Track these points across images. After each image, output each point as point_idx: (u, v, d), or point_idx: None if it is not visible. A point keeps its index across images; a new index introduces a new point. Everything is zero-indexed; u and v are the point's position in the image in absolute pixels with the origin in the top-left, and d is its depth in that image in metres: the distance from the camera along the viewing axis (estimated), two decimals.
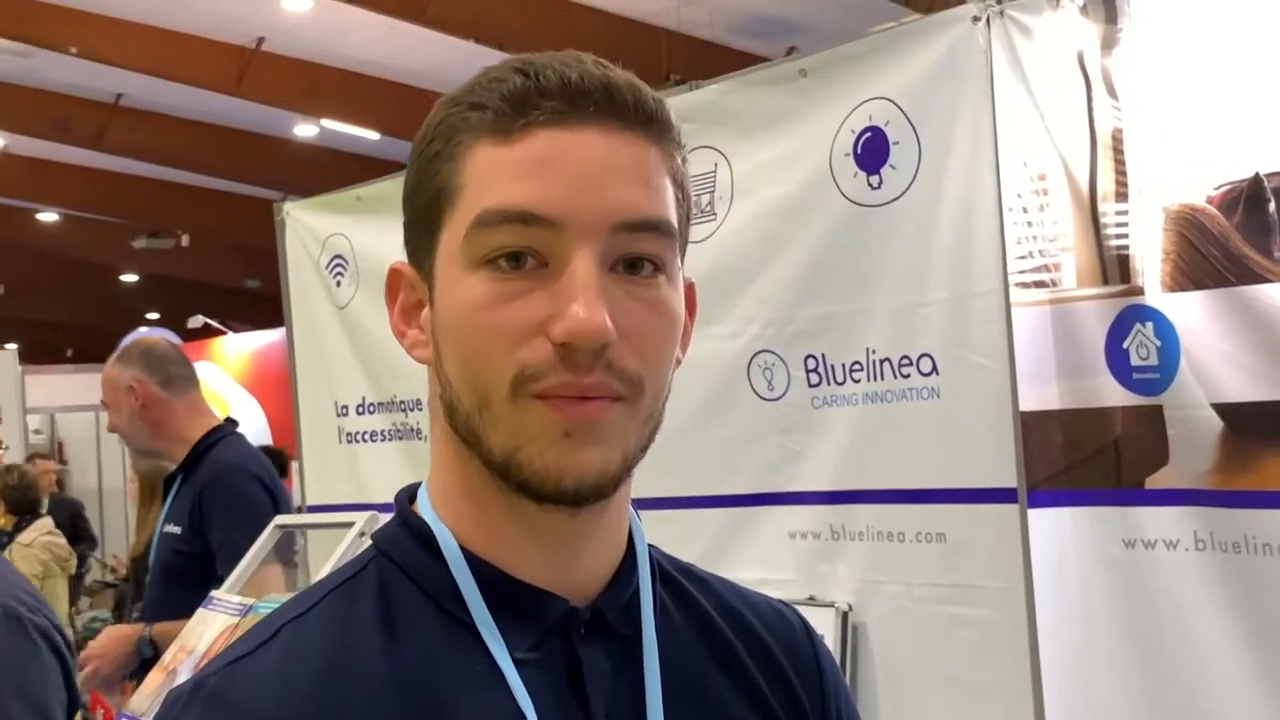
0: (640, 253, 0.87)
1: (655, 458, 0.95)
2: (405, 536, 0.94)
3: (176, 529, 3.40)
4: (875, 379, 3.04)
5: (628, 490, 0.93)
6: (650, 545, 1.00)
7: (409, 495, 0.97)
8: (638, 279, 0.87)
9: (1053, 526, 2.84)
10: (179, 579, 3.27)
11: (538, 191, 0.84)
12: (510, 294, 0.85)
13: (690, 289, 0.96)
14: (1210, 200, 2.60)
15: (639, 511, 1.01)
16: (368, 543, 2.70)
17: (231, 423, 3.76)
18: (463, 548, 0.91)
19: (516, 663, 0.88)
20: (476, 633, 0.89)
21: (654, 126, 0.88)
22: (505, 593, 0.90)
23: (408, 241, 0.93)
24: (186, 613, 2.74)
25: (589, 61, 0.87)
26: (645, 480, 0.95)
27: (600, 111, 0.86)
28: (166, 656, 2.56)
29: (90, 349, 21.15)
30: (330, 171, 11.57)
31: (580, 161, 0.85)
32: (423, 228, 0.91)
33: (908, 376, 2.97)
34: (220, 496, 3.32)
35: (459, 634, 0.89)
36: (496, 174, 0.86)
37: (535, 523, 0.89)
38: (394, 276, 0.94)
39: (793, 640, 1.03)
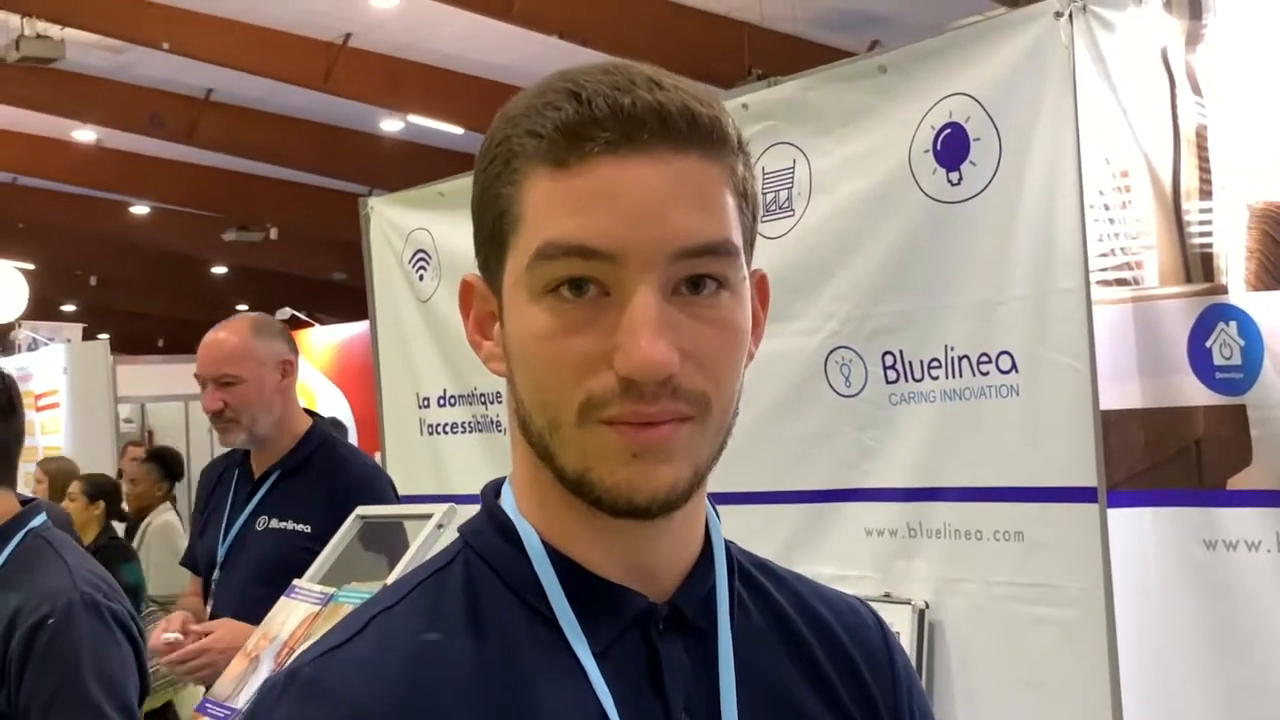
0: (702, 274, 0.87)
1: (731, 452, 0.96)
2: (490, 531, 0.96)
3: (304, 527, 3.24)
4: (953, 376, 3.03)
5: (704, 488, 0.95)
6: (728, 541, 1.01)
7: (494, 489, 0.99)
8: (701, 299, 0.88)
9: (1133, 527, 2.82)
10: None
11: (595, 226, 0.85)
12: (573, 325, 0.86)
13: (761, 280, 0.97)
14: None
15: (715, 506, 1.02)
16: (444, 534, 2.74)
17: (322, 418, 3.72)
18: (545, 544, 0.93)
19: (596, 657, 0.90)
20: (558, 627, 0.91)
21: (711, 145, 0.88)
22: (586, 588, 0.92)
23: (478, 253, 0.94)
24: None
25: (641, 82, 0.86)
26: (721, 474, 0.97)
27: (654, 138, 0.85)
28: (250, 643, 2.61)
29: (180, 340, 21.53)
30: (415, 166, 11.69)
31: (636, 193, 0.85)
32: (490, 246, 0.92)
33: (986, 374, 2.96)
34: (374, 500, 3.20)
35: (541, 628, 0.91)
36: (554, 206, 0.86)
37: (610, 528, 0.91)
38: (466, 289, 0.95)
39: (867, 638, 1.04)
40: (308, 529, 3.23)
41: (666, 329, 0.84)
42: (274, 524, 3.31)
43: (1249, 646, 2.69)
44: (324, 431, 3.54)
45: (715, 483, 0.97)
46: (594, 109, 0.85)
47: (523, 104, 0.90)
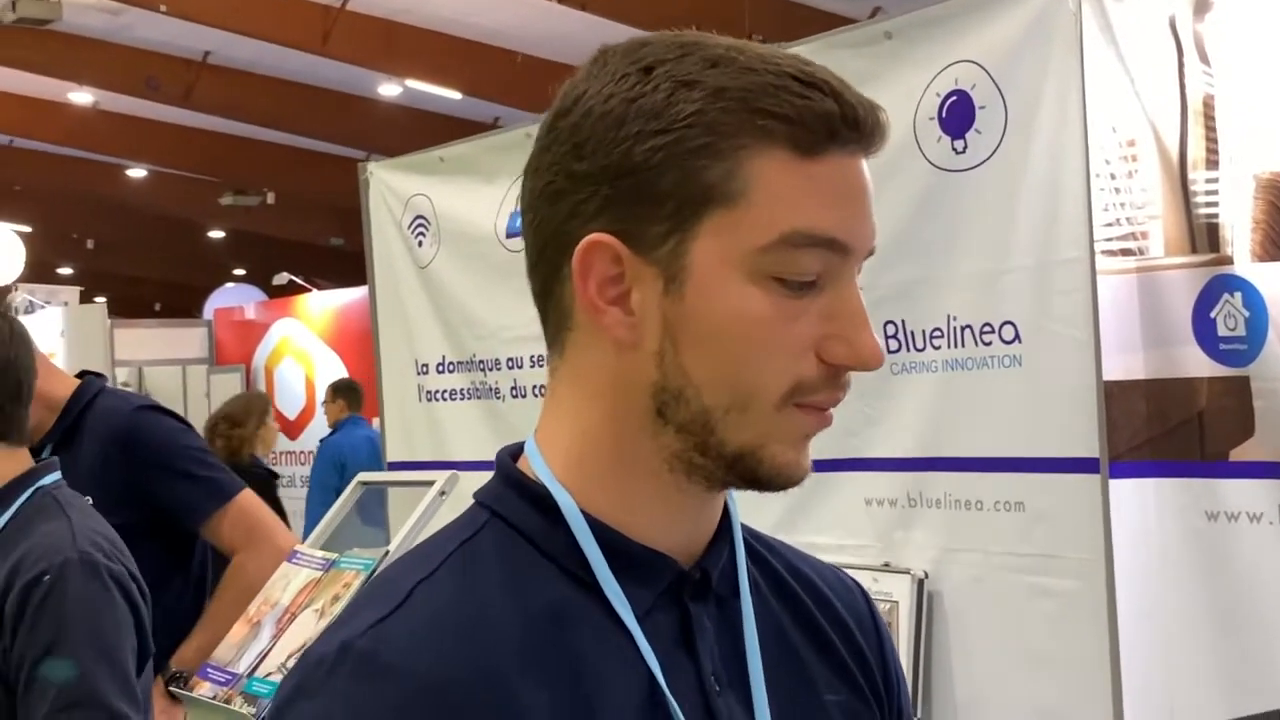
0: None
1: None
2: (516, 498, 0.95)
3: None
4: (956, 346, 3.01)
5: None
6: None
7: (512, 455, 0.98)
8: None
9: (1134, 497, 2.81)
10: None
11: (841, 219, 0.88)
12: (791, 313, 0.88)
13: None
14: None
15: None
16: (446, 501, 2.72)
17: (95, 376, 3.12)
18: (584, 512, 0.93)
19: (637, 621, 0.92)
20: (597, 591, 0.91)
21: None
22: (623, 554, 0.93)
23: (622, 218, 0.89)
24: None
25: (843, 81, 0.89)
26: None
27: (870, 139, 0.89)
28: (251, 609, 2.61)
29: (178, 304, 21.51)
30: (412, 131, 11.64)
31: (862, 191, 0.90)
32: (663, 214, 0.88)
33: (989, 344, 2.95)
34: (142, 446, 2.84)
35: (580, 592, 0.92)
36: (802, 194, 0.87)
37: (682, 497, 0.93)
38: (592, 249, 0.89)
39: (854, 604, 1.07)
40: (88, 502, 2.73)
41: None
42: None
43: (1250, 617, 2.69)
44: (92, 388, 3.01)
45: None
46: (842, 104, 0.87)
47: (733, 79, 0.87)
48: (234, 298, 13.75)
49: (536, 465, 0.95)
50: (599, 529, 0.92)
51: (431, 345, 4.45)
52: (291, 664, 2.42)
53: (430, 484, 2.53)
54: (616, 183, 0.88)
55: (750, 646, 0.96)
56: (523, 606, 0.90)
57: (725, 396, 0.89)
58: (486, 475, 3.84)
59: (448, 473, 2.54)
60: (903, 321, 3.08)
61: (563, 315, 0.94)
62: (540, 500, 0.94)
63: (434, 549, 0.95)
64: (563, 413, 0.96)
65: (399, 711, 0.85)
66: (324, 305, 10.97)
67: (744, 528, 1.04)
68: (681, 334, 0.89)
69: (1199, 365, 2.72)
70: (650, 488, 0.93)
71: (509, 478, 0.97)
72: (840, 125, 0.87)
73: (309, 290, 11.87)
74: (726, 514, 0.99)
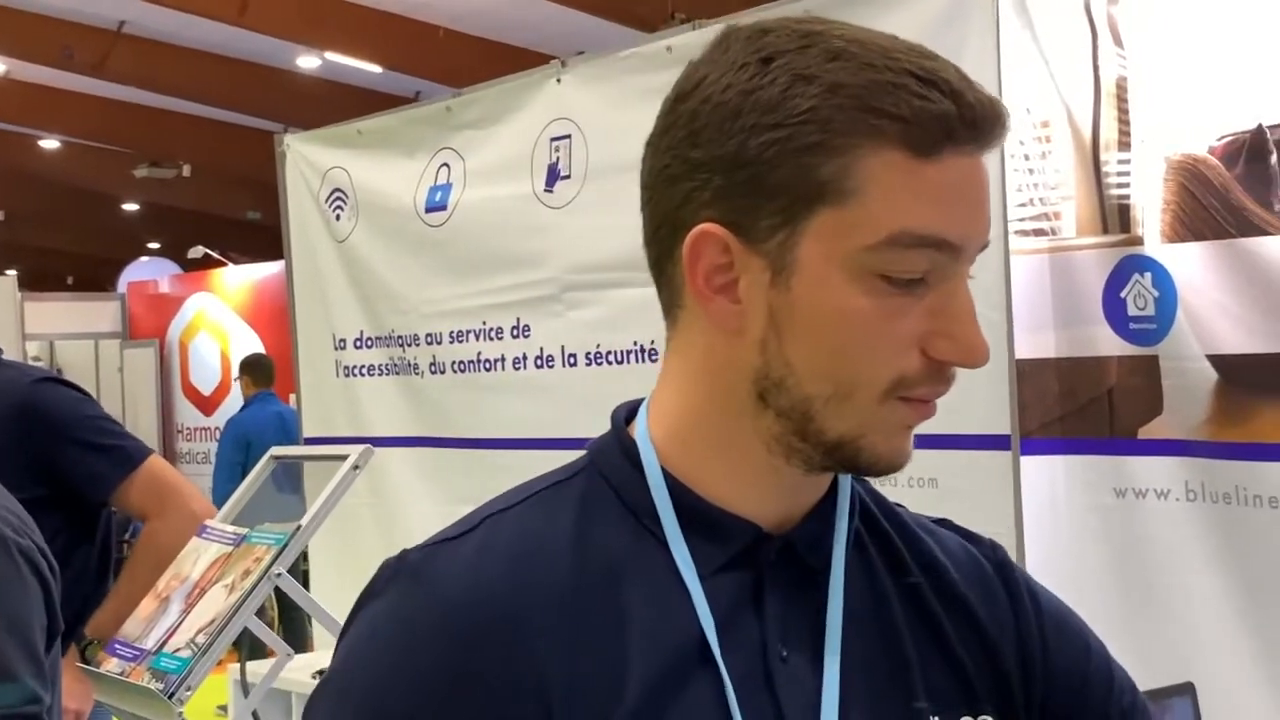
0: (970, 270, 0.93)
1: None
2: (615, 451, 0.98)
3: None
4: None
5: None
6: (858, 480, 1.03)
7: (627, 412, 1.01)
8: None
9: (1045, 474, 2.86)
10: None
11: (953, 220, 0.89)
12: (895, 310, 0.89)
13: None
14: (1212, 151, 2.60)
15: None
16: (360, 476, 2.70)
17: None
18: (666, 471, 0.95)
19: (701, 580, 0.93)
20: (667, 548, 0.93)
21: None
22: (699, 514, 0.94)
23: (734, 209, 0.90)
24: None
25: (966, 76, 0.89)
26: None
27: (991, 139, 0.89)
28: (160, 584, 2.57)
29: (91, 277, 21.12)
30: (333, 104, 11.49)
31: (976, 189, 0.90)
32: (774, 208, 0.89)
33: None
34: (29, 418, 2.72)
35: (650, 546, 0.94)
36: (915, 194, 0.87)
37: (778, 477, 0.95)
38: (703, 238, 0.91)
39: (981, 576, 1.05)
40: None
41: None
42: None
43: (1156, 591, 2.75)
44: None
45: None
46: (960, 105, 0.87)
47: (851, 76, 0.87)
48: (148, 271, 13.56)
49: (639, 425, 0.99)
50: (678, 488, 0.95)
51: (349, 320, 4.41)
52: (200, 640, 2.40)
53: (344, 458, 2.50)
54: (730, 174, 0.89)
55: (832, 622, 0.95)
56: (582, 549, 0.93)
57: (827, 387, 0.90)
58: (405, 451, 3.85)
59: (361, 447, 2.53)
60: None
61: (674, 293, 0.96)
62: (634, 456, 0.97)
63: (526, 487, 0.99)
64: (670, 384, 0.98)
65: (431, 622, 0.90)
66: (240, 279, 10.85)
67: (879, 501, 1.05)
68: (786, 325, 0.90)
69: (1109, 344, 2.76)
70: (747, 465, 0.94)
71: (615, 432, 1.00)
72: (958, 126, 0.87)
73: (225, 264, 11.73)
74: (835, 487, 1.00)
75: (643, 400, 1.01)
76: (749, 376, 0.93)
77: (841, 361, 0.90)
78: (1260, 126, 2.53)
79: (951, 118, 0.86)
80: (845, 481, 1.00)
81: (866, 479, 1.03)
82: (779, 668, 0.93)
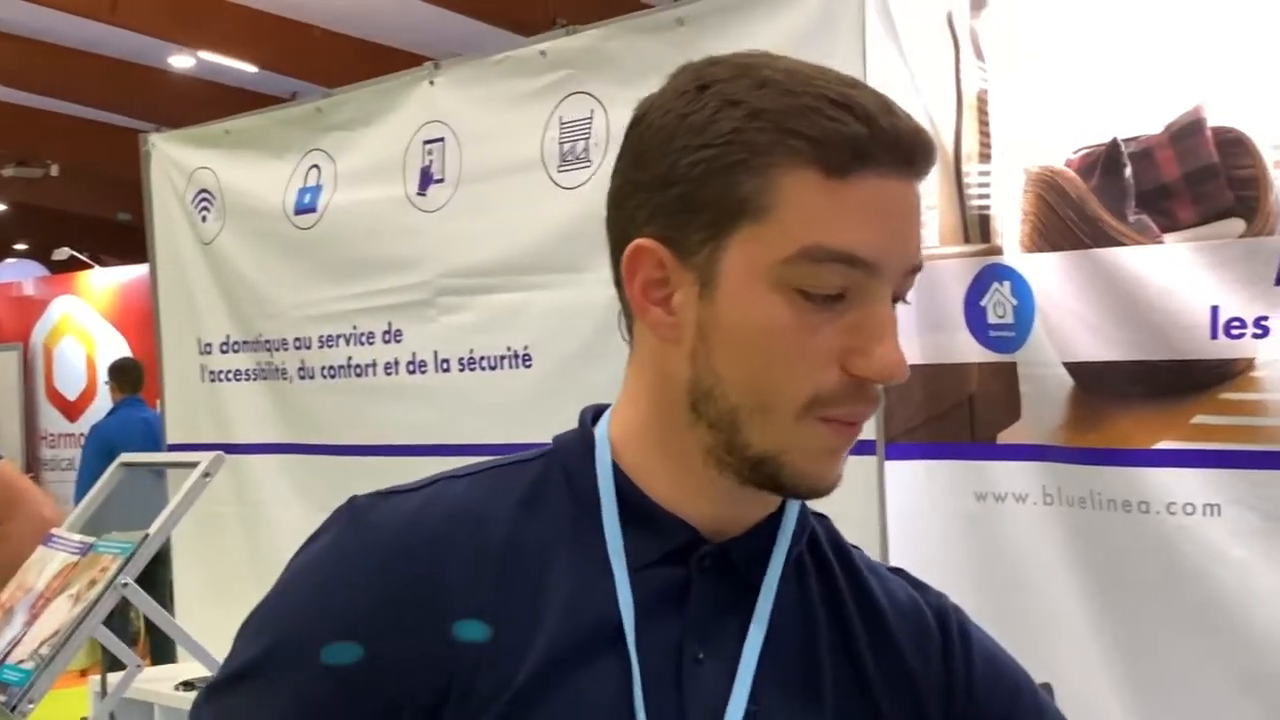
0: (905, 291, 0.95)
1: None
2: (576, 442, 1.03)
3: None
4: None
5: None
6: (821, 516, 1.07)
7: (594, 413, 1.05)
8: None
9: (908, 479, 2.90)
10: None
11: (864, 237, 0.91)
12: (813, 325, 0.91)
13: None
14: (1069, 163, 2.66)
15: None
16: (226, 483, 2.64)
17: None
18: (616, 466, 0.99)
19: (630, 572, 0.96)
20: (603, 537, 0.97)
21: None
22: (640, 508, 0.98)
23: (667, 225, 0.95)
24: None
25: (895, 107, 0.92)
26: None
27: (915, 164, 0.92)
28: (4, 594, 2.50)
29: None
30: (207, 103, 11.28)
31: (896, 210, 0.92)
32: (701, 223, 0.93)
33: None
34: None
35: (587, 532, 0.97)
36: (828, 213, 0.91)
37: (719, 489, 0.97)
38: (639, 253, 0.96)
39: (923, 630, 1.07)
40: None
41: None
42: None
43: (1015, 592, 2.80)
44: None
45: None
46: (874, 129, 0.90)
47: (773, 101, 0.92)
48: (13, 273, 13.18)
49: (601, 425, 1.03)
50: (625, 483, 0.99)
51: (215, 324, 4.34)
52: (45, 651, 2.33)
53: (195, 465, 2.46)
54: (664, 192, 0.94)
55: (754, 636, 0.98)
56: (519, 522, 0.98)
57: (750, 399, 0.93)
58: (273, 458, 3.78)
59: (213, 454, 2.48)
60: None
61: (629, 309, 1.00)
62: (591, 449, 1.01)
63: (488, 461, 1.04)
64: (627, 393, 1.02)
65: (366, 558, 0.96)
66: (107, 282, 10.61)
67: (837, 540, 1.08)
68: (712, 336, 0.94)
69: (970, 351, 2.82)
70: (690, 473, 0.97)
71: (580, 428, 1.04)
72: (872, 148, 0.90)
73: (91, 266, 11.46)
74: (786, 509, 1.02)
75: (609, 405, 1.05)
76: (684, 387, 0.96)
77: (761, 374, 0.92)
78: (1115, 140, 2.60)
79: (863, 139, 0.90)
80: (792, 503, 1.03)
81: (823, 515, 1.08)
82: (691, 668, 0.96)
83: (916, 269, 0.94)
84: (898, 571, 1.12)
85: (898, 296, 0.94)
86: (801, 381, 0.91)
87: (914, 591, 1.11)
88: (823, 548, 1.06)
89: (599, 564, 0.96)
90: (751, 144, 0.92)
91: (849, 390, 0.91)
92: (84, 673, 6.11)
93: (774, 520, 1.01)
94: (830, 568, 1.06)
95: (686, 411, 0.96)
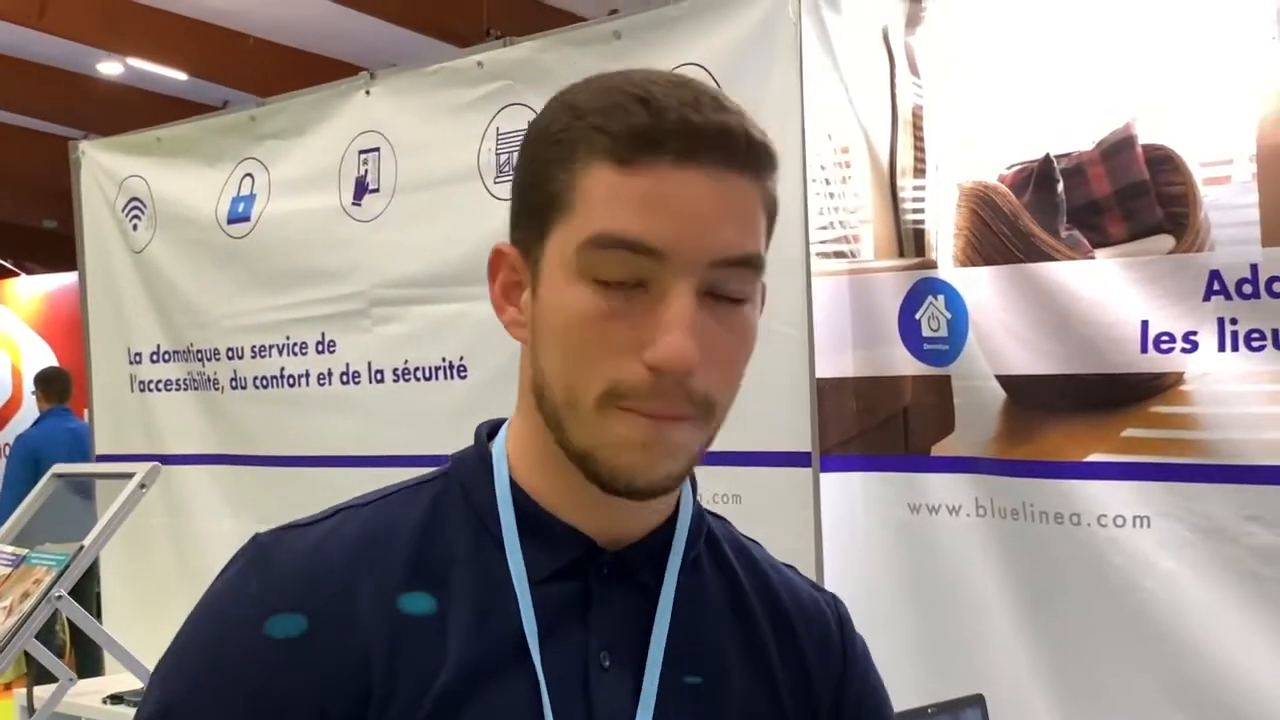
0: (731, 286, 0.94)
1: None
2: (472, 458, 1.03)
3: None
4: None
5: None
6: (715, 515, 1.09)
7: (490, 428, 1.06)
8: (726, 306, 0.94)
9: (843, 490, 2.92)
10: None
11: (650, 225, 0.91)
12: (611, 312, 0.91)
13: (763, 291, 1.04)
14: (1003, 179, 2.69)
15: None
16: (155, 494, 2.61)
17: None
18: (514, 481, 1.00)
19: (531, 585, 0.97)
20: (504, 552, 0.98)
21: (759, 168, 0.94)
22: (538, 523, 0.99)
23: (515, 226, 0.99)
24: None
25: (708, 102, 0.92)
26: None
27: (714, 155, 0.92)
28: None
29: None
30: (135, 111, 11.15)
31: (690, 200, 0.91)
32: (532, 222, 0.96)
33: None
34: None
35: (487, 547, 0.98)
36: (614, 201, 0.92)
37: (597, 497, 0.96)
38: (497, 256, 1.00)
39: (822, 625, 1.10)
40: None
41: (696, 329, 0.91)
42: None
43: (948, 605, 2.82)
44: None
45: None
46: (664, 120, 0.91)
47: (591, 99, 0.94)
48: None
49: (498, 439, 1.04)
50: (522, 498, 1.00)
51: (146, 333, 4.28)
52: None
53: (130, 476, 2.42)
54: (517, 197, 0.99)
55: (657, 636, 0.99)
56: (423, 543, 0.99)
57: (562, 391, 0.94)
58: (204, 469, 3.74)
59: (149, 465, 2.45)
60: None
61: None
62: (489, 465, 1.02)
63: (390, 487, 1.04)
64: (516, 404, 1.03)
65: (266, 594, 0.95)
66: (33, 290, 10.45)
67: (734, 537, 1.10)
68: (538, 331, 0.96)
69: (904, 364, 2.84)
70: (567, 479, 0.97)
71: (476, 444, 1.05)
72: (659, 137, 0.91)
73: (17, 275, 11.28)
74: (680, 513, 1.03)
75: (506, 419, 1.05)
76: (532, 388, 0.98)
77: (565, 365, 0.94)
78: (1048, 156, 2.63)
79: (650, 129, 0.91)
80: (686, 506, 1.04)
81: (721, 516, 1.10)
82: (598, 674, 0.97)
83: (735, 262, 0.93)
84: (791, 569, 1.14)
85: (715, 291, 0.93)
86: (597, 371, 0.91)
87: (814, 590, 1.13)
88: (722, 547, 1.08)
89: (502, 581, 0.97)
90: (567, 142, 0.94)
91: (649, 382, 0.91)
92: (8, 686, 5.99)
93: (670, 524, 1.02)
94: (731, 567, 1.07)
95: (539, 412, 0.97)
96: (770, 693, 1.04)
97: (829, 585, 2.83)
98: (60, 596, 2.31)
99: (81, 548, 2.34)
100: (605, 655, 0.97)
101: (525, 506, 0.99)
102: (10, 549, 2.45)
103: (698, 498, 1.06)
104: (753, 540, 1.13)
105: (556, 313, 0.94)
